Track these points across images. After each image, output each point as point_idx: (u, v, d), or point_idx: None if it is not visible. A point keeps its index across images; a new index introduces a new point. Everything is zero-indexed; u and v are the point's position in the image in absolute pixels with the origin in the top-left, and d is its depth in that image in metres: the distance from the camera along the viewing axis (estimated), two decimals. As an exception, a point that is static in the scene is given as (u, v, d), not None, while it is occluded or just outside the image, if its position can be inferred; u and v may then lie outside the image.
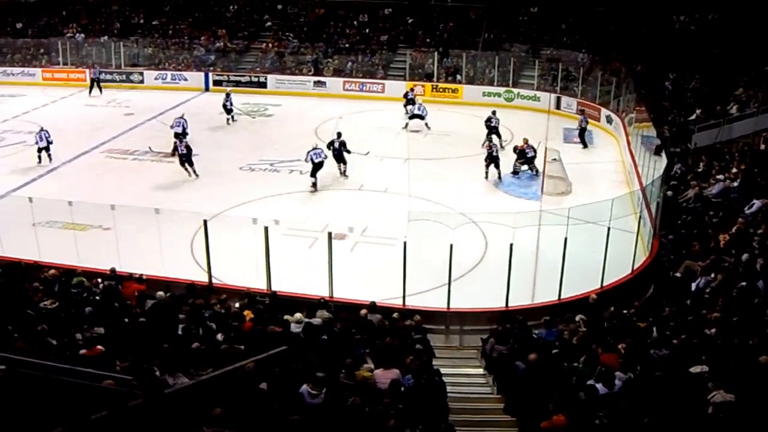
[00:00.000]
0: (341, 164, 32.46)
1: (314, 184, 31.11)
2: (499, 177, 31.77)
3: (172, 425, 10.63)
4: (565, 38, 47.15)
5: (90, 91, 47.52)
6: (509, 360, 16.31)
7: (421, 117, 39.38)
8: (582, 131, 37.04)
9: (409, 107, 40.53)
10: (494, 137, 34.78)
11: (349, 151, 32.35)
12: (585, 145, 36.81)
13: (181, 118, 36.30)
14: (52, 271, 20.70)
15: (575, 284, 21.06)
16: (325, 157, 31.34)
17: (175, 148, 33.34)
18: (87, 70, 45.37)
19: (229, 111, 41.71)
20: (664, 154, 27.23)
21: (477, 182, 31.57)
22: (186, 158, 32.29)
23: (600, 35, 45.21)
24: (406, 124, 39.90)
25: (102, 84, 49.32)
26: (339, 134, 32.50)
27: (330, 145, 32.23)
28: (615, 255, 21.59)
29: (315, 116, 42.23)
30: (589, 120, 38.31)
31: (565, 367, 15.47)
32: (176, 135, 34.58)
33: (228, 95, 42.08)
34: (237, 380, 12.94)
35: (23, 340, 15.16)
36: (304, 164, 31.81)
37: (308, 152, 31.07)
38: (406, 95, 42.34)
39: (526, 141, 32.46)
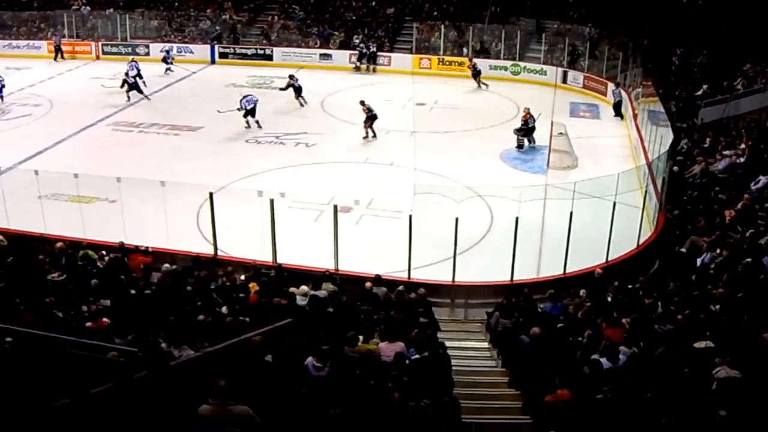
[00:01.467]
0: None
1: (248, 124, 35.37)
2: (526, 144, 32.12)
3: (177, 397, 10.65)
4: (571, 12, 46.86)
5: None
6: (514, 333, 16.34)
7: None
8: (617, 104, 37.20)
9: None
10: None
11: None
12: (621, 117, 37.01)
13: (249, 96, 36.37)
14: (59, 244, 20.70)
15: (581, 258, 21.07)
16: (257, 101, 35.32)
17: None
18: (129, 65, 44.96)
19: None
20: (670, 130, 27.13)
21: (483, 156, 31.50)
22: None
23: (607, 9, 44.96)
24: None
25: (108, 56, 50.07)
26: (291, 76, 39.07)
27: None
28: (620, 230, 21.53)
29: (321, 89, 42.08)
30: (597, 94, 38.27)
31: (570, 342, 15.50)
32: (247, 112, 35.56)
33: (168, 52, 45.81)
34: (242, 353, 12.96)
35: (30, 313, 15.21)
36: (309, 136, 32.03)
37: (240, 100, 35.04)
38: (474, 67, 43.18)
39: (527, 111, 32.34)
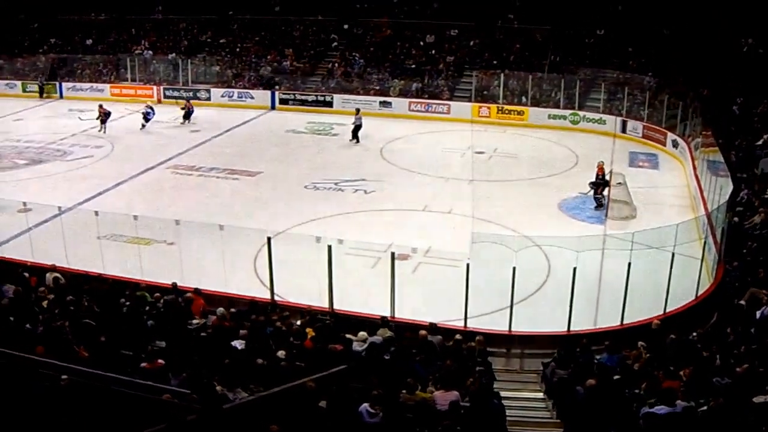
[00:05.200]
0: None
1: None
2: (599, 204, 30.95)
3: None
4: (631, 61, 46.87)
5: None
6: (569, 385, 16.24)
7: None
8: None
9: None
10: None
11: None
12: None
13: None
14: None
15: (638, 309, 20.89)
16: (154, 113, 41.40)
17: None
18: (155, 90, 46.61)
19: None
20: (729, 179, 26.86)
21: (541, 205, 31.46)
22: None
23: (666, 58, 44.87)
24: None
25: (169, 100, 50.77)
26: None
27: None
28: (679, 281, 21.33)
29: (380, 136, 42.44)
30: (656, 144, 38.02)
31: (627, 394, 15.38)
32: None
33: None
34: (296, 398, 13.02)
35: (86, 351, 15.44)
36: (368, 183, 32.55)
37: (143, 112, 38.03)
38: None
39: (601, 164, 31.45)
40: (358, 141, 41.70)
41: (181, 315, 19.62)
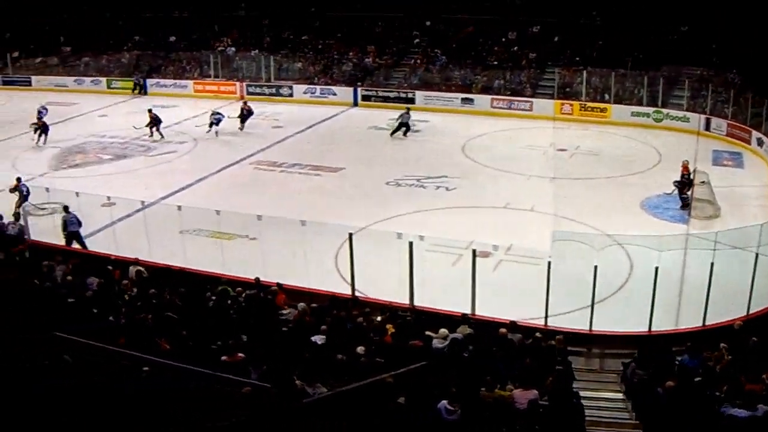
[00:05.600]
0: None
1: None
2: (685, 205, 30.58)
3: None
4: (715, 58, 46.27)
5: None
6: (649, 386, 16.19)
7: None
8: None
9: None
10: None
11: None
12: None
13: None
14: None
15: (721, 311, 20.64)
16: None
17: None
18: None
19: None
20: None
21: (623, 203, 31.32)
22: None
23: (751, 55, 44.19)
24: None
25: (252, 96, 51.66)
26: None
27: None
28: (763, 282, 20.98)
29: (462, 133, 42.58)
30: (740, 142, 37.56)
31: (708, 396, 15.29)
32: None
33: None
34: (375, 393, 13.16)
35: (168, 343, 15.78)
36: (450, 180, 33.00)
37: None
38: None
39: (686, 163, 31.19)
40: (404, 135, 42.44)
41: (264, 309, 19.94)
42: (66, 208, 26.54)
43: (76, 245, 26.47)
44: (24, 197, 29.69)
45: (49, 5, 62.03)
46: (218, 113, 42.91)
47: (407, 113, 43.10)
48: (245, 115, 43.60)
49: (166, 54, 59.22)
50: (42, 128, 41.28)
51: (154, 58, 59.25)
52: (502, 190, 32.99)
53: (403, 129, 42.39)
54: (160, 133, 42.55)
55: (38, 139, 41.23)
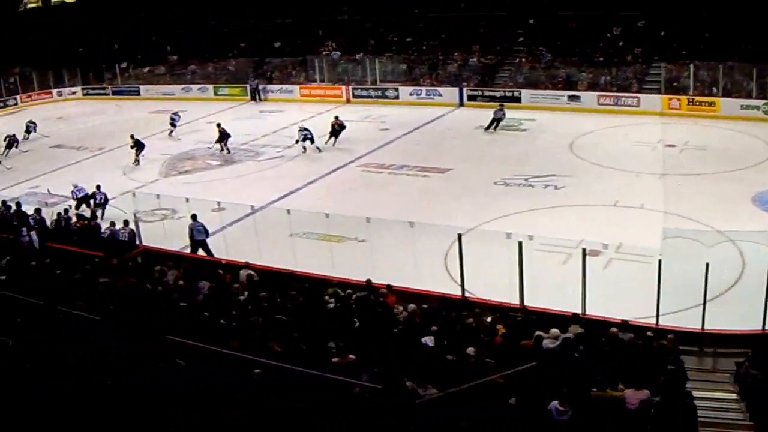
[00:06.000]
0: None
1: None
2: None
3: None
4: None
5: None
6: (764, 386, 16.02)
7: None
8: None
9: None
10: None
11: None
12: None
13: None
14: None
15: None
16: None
17: None
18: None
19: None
20: None
21: (735, 199, 30.77)
22: None
23: None
24: None
25: (358, 99, 52.47)
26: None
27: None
28: None
29: (570, 131, 42.37)
30: None
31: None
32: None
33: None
34: (486, 394, 13.27)
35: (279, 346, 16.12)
36: (558, 178, 33.08)
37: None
38: None
39: None
40: (494, 130, 43.18)
41: (377, 311, 20.18)
42: (194, 217, 27.30)
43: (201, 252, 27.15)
44: (99, 205, 31.77)
45: (156, 17, 63.56)
46: (306, 129, 41.81)
47: (501, 109, 43.79)
48: (337, 130, 42.71)
49: (272, 60, 60.04)
50: (137, 145, 41.38)
51: (260, 64, 60.09)
52: (611, 187, 32.74)
53: (494, 124, 43.17)
54: (227, 149, 42.36)
55: (135, 159, 41.36)
